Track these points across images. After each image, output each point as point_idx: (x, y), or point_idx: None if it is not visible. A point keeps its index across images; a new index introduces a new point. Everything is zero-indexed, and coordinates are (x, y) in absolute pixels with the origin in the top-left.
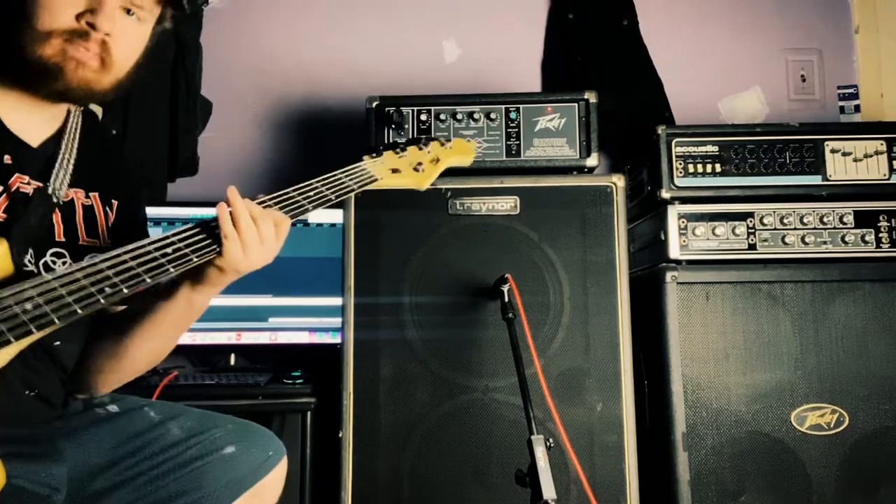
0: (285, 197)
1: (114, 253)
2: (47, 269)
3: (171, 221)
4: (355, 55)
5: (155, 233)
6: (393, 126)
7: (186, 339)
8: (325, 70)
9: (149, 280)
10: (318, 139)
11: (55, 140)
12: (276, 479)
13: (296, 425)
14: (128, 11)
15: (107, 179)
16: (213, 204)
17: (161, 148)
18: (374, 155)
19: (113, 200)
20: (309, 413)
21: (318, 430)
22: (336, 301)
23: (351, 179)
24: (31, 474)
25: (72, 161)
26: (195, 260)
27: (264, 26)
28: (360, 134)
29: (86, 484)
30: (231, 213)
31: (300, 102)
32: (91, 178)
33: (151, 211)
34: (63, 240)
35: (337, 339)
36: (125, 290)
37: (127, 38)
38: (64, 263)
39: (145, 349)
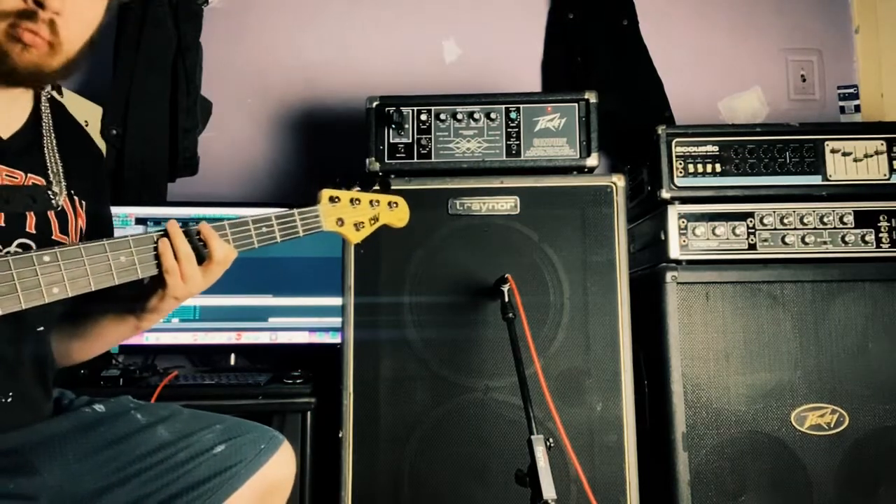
0: (242, 228)
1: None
2: None
3: None
4: (355, 55)
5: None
6: (393, 126)
7: (187, 338)
8: (325, 70)
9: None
10: (318, 139)
11: (27, 132)
12: (276, 467)
13: (296, 425)
14: None
15: (78, 175)
16: (213, 204)
17: (161, 148)
18: (333, 200)
19: (83, 200)
20: (309, 413)
21: (318, 430)
22: (336, 301)
23: (301, 224)
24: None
25: (59, 164)
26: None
27: (264, 26)
28: (360, 134)
29: (74, 487)
30: (172, 246)
31: (300, 102)
32: (65, 174)
33: (151, 211)
34: (34, 232)
35: (337, 339)
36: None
37: (79, 16)
38: None
39: (86, 350)
